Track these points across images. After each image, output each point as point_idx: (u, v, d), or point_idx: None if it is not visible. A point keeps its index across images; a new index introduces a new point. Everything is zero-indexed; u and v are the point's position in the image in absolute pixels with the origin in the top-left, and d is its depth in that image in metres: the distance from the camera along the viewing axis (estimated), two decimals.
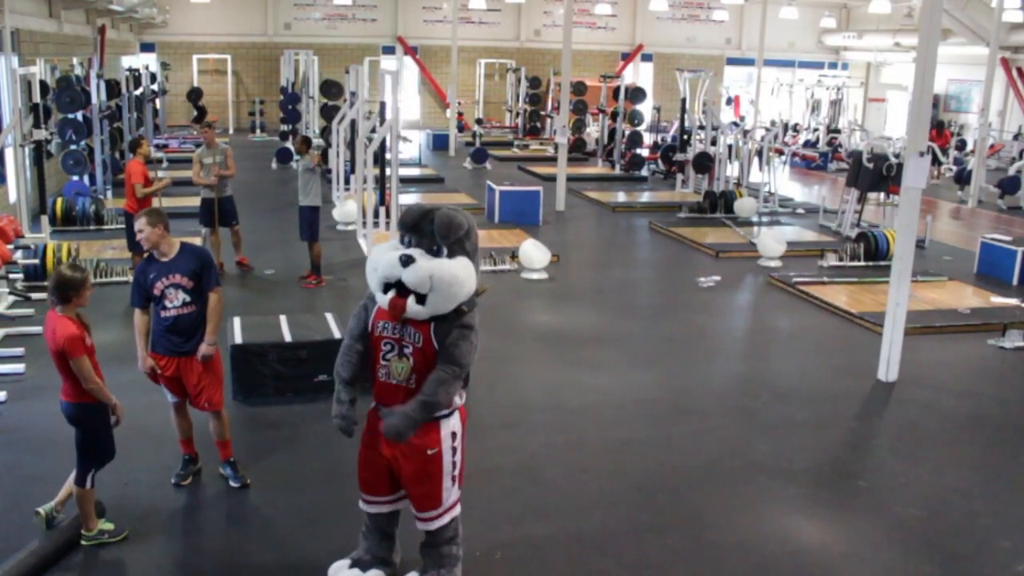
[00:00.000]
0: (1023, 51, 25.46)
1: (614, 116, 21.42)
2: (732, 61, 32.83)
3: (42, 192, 12.20)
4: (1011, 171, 18.75)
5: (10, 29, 13.16)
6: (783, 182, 19.49)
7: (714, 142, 17.15)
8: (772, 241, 12.30)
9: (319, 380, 6.81)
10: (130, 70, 18.89)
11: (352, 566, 4.48)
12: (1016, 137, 22.16)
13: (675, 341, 9.00)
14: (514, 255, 11.55)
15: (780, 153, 21.30)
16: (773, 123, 24.45)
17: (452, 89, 24.93)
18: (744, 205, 15.15)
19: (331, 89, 20.22)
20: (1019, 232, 14.95)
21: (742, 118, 26.67)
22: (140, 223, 5.22)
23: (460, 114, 27.37)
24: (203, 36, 28.31)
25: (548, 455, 6.24)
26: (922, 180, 7.54)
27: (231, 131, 26.55)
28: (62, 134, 13.57)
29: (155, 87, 23.37)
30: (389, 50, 29.67)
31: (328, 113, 19.56)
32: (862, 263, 12.05)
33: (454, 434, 4.23)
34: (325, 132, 18.79)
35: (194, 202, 11.07)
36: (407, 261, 3.95)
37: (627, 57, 31.92)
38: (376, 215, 11.71)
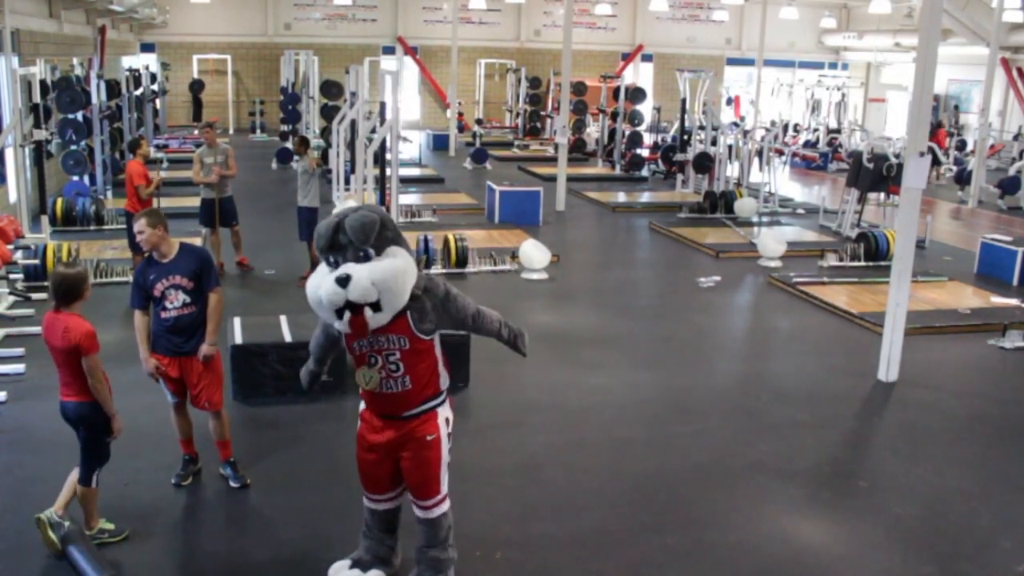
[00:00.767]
0: (1023, 51, 25.47)
1: (614, 116, 21.40)
2: (732, 61, 32.83)
3: (42, 192, 12.20)
4: (1011, 171, 18.76)
5: (10, 29, 13.17)
6: (783, 182, 19.47)
7: (714, 142, 17.15)
8: (772, 241, 12.30)
9: (319, 380, 6.79)
10: (130, 70, 18.90)
11: (352, 566, 4.49)
12: (1016, 137, 22.16)
13: (675, 341, 8.99)
14: (514, 255, 11.54)
15: (780, 153, 21.29)
16: (773, 123, 24.42)
17: (452, 89, 24.92)
18: (744, 205, 15.15)
19: (331, 89, 20.19)
20: (1019, 232, 14.95)
21: (742, 118, 26.65)
22: (140, 224, 5.22)
23: (460, 114, 27.35)
24: (203, 36, 28.32)
25: (548, 455, 6.24)
26: (922, 180, 7.55)
27: (231, 131, 26.53)
28: (62, 134, 13.55)
29: (155, 87, 23.38)
30: (389, 50, 29.68)
31: (328, 113, 19.54)
32: (862, 263, 12.05)
33: (448, 420, 4.33)
34: (325, 132, 18.78)
35: (194, 202, 11.05)
36: (344, 281, 3.90)
37: (627, 57, 31.93)
38: None
